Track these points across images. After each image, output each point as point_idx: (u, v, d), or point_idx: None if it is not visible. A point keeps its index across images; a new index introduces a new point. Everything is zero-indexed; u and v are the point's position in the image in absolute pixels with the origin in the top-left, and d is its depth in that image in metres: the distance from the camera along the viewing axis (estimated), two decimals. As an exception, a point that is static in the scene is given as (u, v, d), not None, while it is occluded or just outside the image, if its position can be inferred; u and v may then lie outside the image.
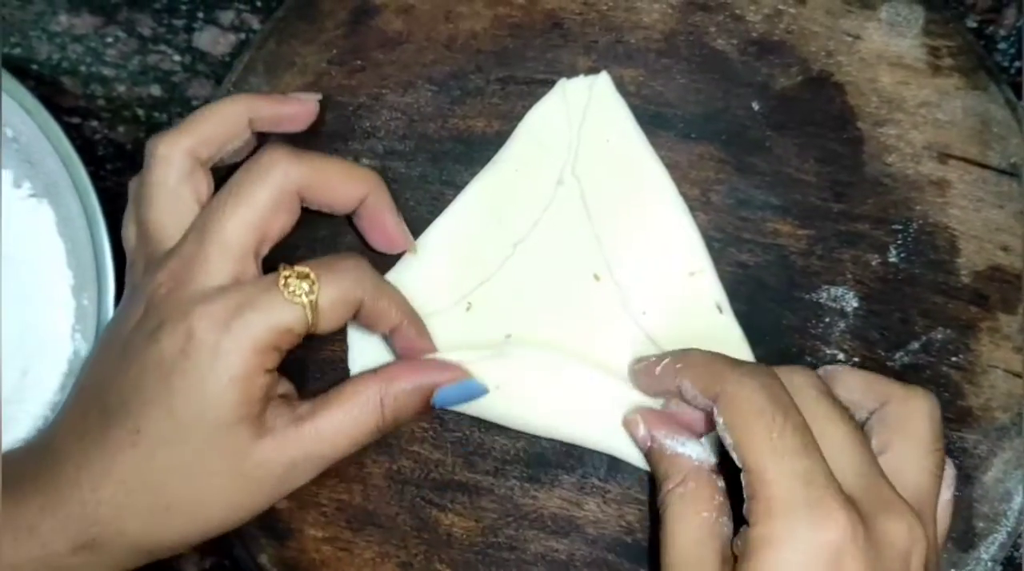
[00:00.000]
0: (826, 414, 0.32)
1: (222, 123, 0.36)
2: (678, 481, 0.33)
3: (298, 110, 0.37)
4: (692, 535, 0.32)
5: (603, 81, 0.38)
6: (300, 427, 0.33)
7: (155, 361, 0.33)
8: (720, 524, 0.32)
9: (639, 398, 0.36)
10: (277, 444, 0.33)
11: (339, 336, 0.38)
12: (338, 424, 0.34)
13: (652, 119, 0.38)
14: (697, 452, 0.34)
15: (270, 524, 0.38)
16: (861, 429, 0.33)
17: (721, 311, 0.37)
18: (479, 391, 0.36)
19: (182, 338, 0.32)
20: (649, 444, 0.35)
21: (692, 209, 0.38)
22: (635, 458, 0.36)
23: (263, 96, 0.37)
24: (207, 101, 0.42)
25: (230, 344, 0.32)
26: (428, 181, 0.38)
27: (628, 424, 0.36)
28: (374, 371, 0.35)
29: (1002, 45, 0.42)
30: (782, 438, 0.30)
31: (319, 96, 0.38)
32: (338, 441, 0.34)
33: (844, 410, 0.33)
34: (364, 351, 0.38)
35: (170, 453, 0.32)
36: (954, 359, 0.37)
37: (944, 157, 0.38)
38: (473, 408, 0.37)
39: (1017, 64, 0.41)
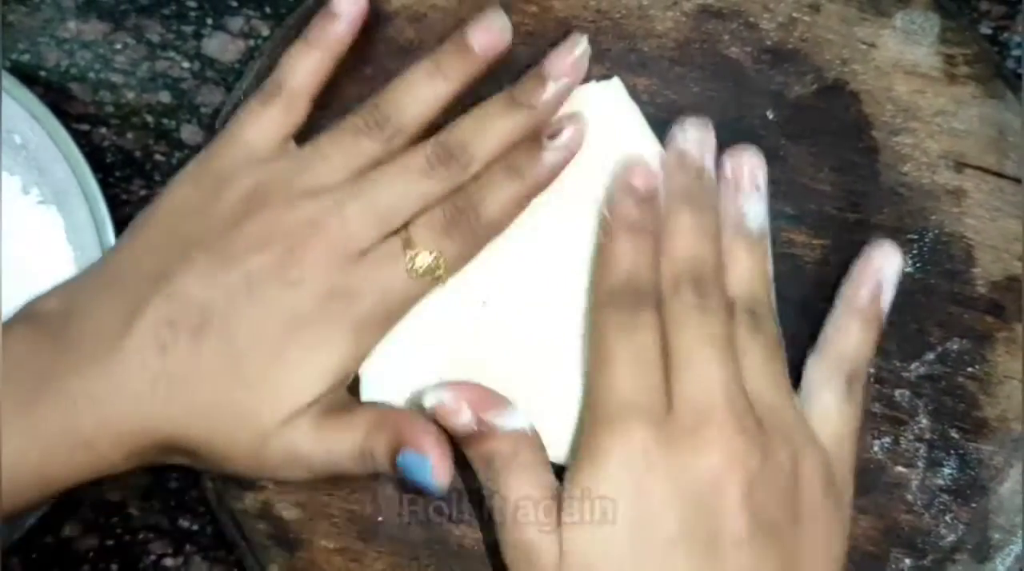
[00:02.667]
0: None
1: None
2: (511, 454, 0.33)
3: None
4: (535, 509, 0.32)
5: (615, 86, 0.38)
6: (321, 431, 0.34)
7: (287, 310, 0.33)
8: (553, 482, 0.33)
9: None
10: (301, 435, 0.33)
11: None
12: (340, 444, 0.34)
13: (666, 127, 0.38)
14: (519, 420, 0.34)
15: (280, 534, 0.38)
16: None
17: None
18: (429, 484, 0.33)
19: (319, 298, 0.33)
20: (476, 428, 0.33)
21: (706, 218, 0.37)
22: None
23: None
24: (217, 109, 0.42)
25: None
26: (440, 190, 0.38)
27: (445, 413, 0.33)
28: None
29: (1016, 51, 0.42)
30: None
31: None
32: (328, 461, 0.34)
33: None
34: (379, 385, 0.37)
35: (230, 378, 0.33)
36: (970, 370, 0.37)
37: (960, 166, 0.38)
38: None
39: (1032, 71, 0.41)
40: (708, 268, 0.34)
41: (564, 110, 0.37)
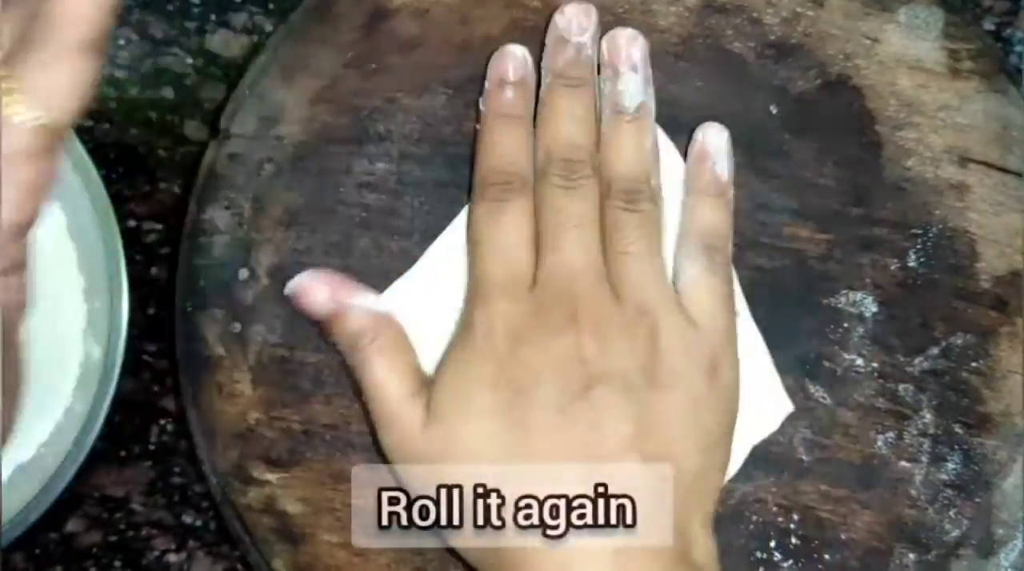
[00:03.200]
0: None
1: None
2: (372, 336, 0.34)
3: None
4: (400, 383, 0.34)
5: None
6: None
7: None
8: (417, 365, 0.35)
9: None
10: None
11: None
12: None
13: (669, 123, 0.38)
14: (381, 305, 0.35)
15: (284, 529, 0.38)
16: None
17: (739, 314, 0.37)
18: None
19: None
20: (333, 306, 0.35)
21: (710, 213, 0.37)
22: None
23: None
24: (220, 105, 0.42)
25: None
26: (443, 185, 0.38)
27: (302, 291, 0.35)
28: None
29: (1019, 48, 0.42)
30: None
31: None
32: None
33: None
34: None
35: None
36: (974, 364, 0.37)
37: (964, 161, 0.38)
38: None
39: (1035, 67, 0.41)
40: (579, 150, 0.35)
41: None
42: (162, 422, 0.41)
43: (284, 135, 0.39)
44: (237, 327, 0.38)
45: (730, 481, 0.36)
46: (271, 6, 0.43)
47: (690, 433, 0.33)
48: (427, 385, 0.34)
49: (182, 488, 0.41)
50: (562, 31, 0.36)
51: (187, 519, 0.41)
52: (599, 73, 0.37)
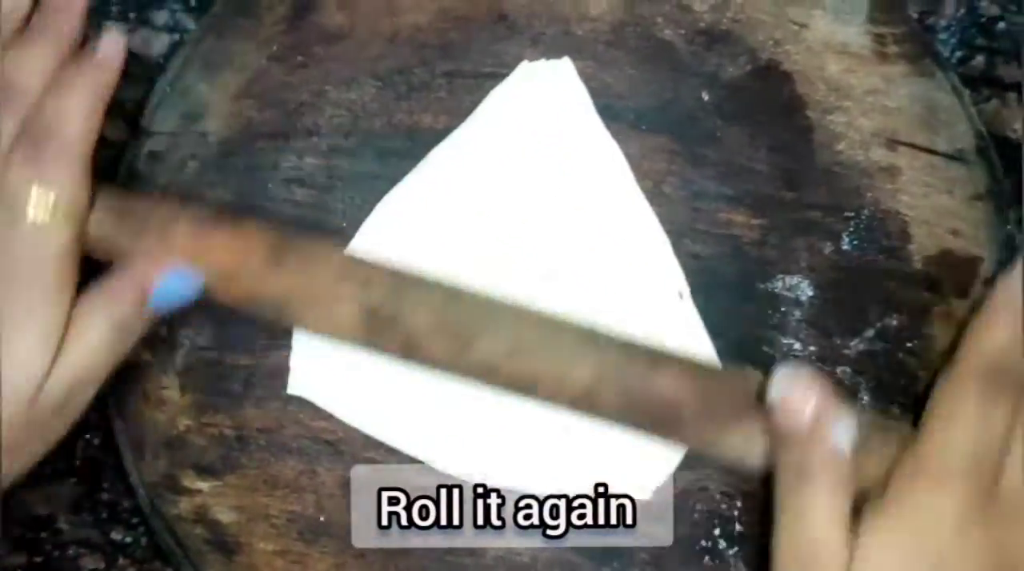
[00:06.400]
0: None
1: None
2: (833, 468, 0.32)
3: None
4: (830, 528, 0.31)
5: (565, 66, 0.38)
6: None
7: None
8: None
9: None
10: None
11: (286, 341, 0.37)
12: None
13: (602, 111, 0.38)
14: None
15: (217, 539, 0.36)
16: None
17: (682, 298, 0.37)
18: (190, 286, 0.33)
19: None
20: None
21: (645, 201, 0.37)
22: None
23: None
24: (141, 105, 0.41)
25: None
26: (375, 178, 0.38)
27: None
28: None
29: (942, 35, 0.42)
30: None
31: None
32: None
33: None
34: (309, 361, 0.37)
35: None
36: (909, 345, 0.37)
37: (892, 143, 0.38)
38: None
39: (958, 54, 0.42)
40: None
41: (509, 85, 0.38)
42: (88, 436, 0.40)
43: (208, 131, 0.38)
44: (164, 331, 0.37)
45: (675, 470, 0.36)
46: (193, 3, 0.41)
47: None
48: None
49: (110, 504, 0.40)
50: None
51: (116, 536, 0.40)
52: None
